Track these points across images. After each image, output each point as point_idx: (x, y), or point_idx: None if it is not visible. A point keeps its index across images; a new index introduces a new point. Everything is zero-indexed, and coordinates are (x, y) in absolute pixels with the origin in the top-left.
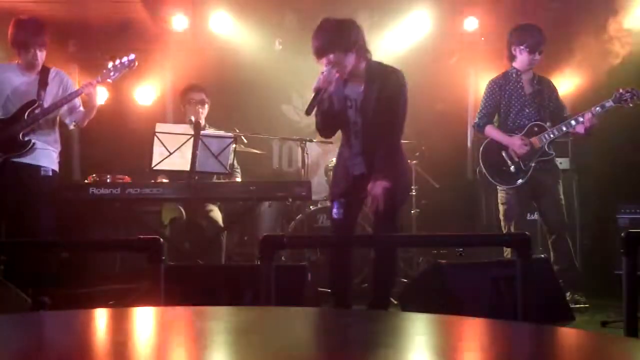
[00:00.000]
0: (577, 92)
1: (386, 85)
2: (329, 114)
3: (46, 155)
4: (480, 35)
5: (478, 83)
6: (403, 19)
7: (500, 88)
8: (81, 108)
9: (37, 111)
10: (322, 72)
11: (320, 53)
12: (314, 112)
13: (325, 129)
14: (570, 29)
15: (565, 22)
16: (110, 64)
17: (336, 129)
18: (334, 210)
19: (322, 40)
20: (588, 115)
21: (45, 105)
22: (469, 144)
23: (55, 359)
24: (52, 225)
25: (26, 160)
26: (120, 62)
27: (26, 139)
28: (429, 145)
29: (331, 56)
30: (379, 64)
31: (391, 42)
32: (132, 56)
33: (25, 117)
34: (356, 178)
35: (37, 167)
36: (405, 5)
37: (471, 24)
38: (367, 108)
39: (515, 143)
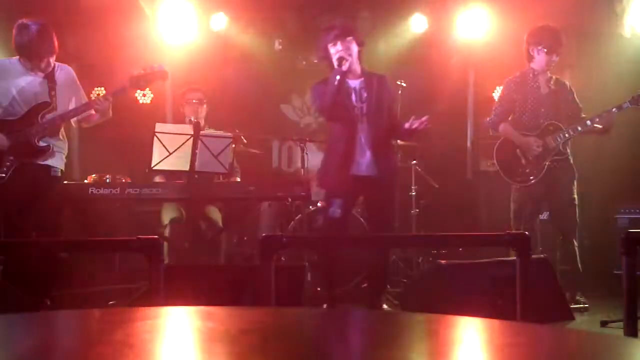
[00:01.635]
0: (579, 93)
1: (385, 82)
2: (338, 91)
3: (56, 156)
4: (480, 36)
5: (477, 83)
6: (403, 20)
7: (517, 87)
8: (92, 111)
9: (49, 115)
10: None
11: (344, 33)
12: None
13: (330, 107)
14: (572, 29)
15: (567, 22)
16: (135, 71)
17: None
18: (332, 209)
19: (346, 24)
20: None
21: (58, 106)
22: (468, 144)
23: None
24: (60, 225)
25: (36, 160)
26: (152, 71)
27: (42, 144)
28: (428, 145)
29: (339, 45)
30: (371, 71)
31: (391, 43)
32: (162, 66)
33: (39, 120)
34: (358, 179)
35: (47, 168)
36: (405, 6)
37: (470, 23)
38: (371, 93)
39: (528, 144)
